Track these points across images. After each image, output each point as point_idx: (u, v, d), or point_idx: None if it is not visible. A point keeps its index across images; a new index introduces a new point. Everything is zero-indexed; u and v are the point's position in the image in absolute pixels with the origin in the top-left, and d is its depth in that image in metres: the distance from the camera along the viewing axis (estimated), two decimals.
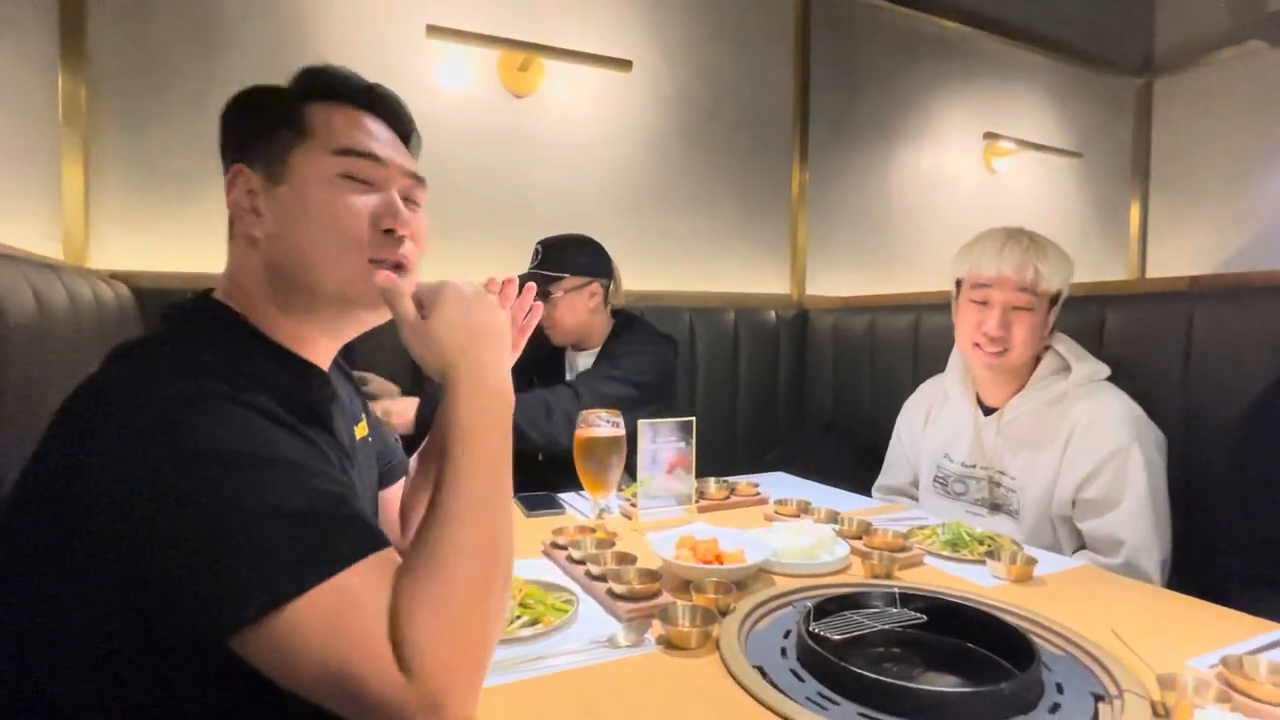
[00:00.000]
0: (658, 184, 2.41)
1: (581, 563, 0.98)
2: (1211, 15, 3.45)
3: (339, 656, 0.52)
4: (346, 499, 0.59)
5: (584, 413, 1.15)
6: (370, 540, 0.58)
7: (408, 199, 0.79)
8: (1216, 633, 0.83)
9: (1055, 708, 0.67)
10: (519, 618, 0.81)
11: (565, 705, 0.67)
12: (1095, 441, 1.27)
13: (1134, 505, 1.23)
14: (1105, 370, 1.37)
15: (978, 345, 1.37)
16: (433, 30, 1.94)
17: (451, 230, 2.08)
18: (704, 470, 1.51)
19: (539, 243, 1.82)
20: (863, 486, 1.70)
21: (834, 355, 2.33)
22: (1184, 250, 3.64)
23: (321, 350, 0.79)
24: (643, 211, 2.37)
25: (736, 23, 2.54)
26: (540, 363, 1.86)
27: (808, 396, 2.46)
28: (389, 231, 0.75)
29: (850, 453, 2.08)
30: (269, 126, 0.74)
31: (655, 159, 2.40)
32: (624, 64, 2.20)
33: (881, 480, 1.74)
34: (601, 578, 0.92)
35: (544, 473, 1.59)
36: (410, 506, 0.98)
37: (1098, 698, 0.69)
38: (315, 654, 0.52)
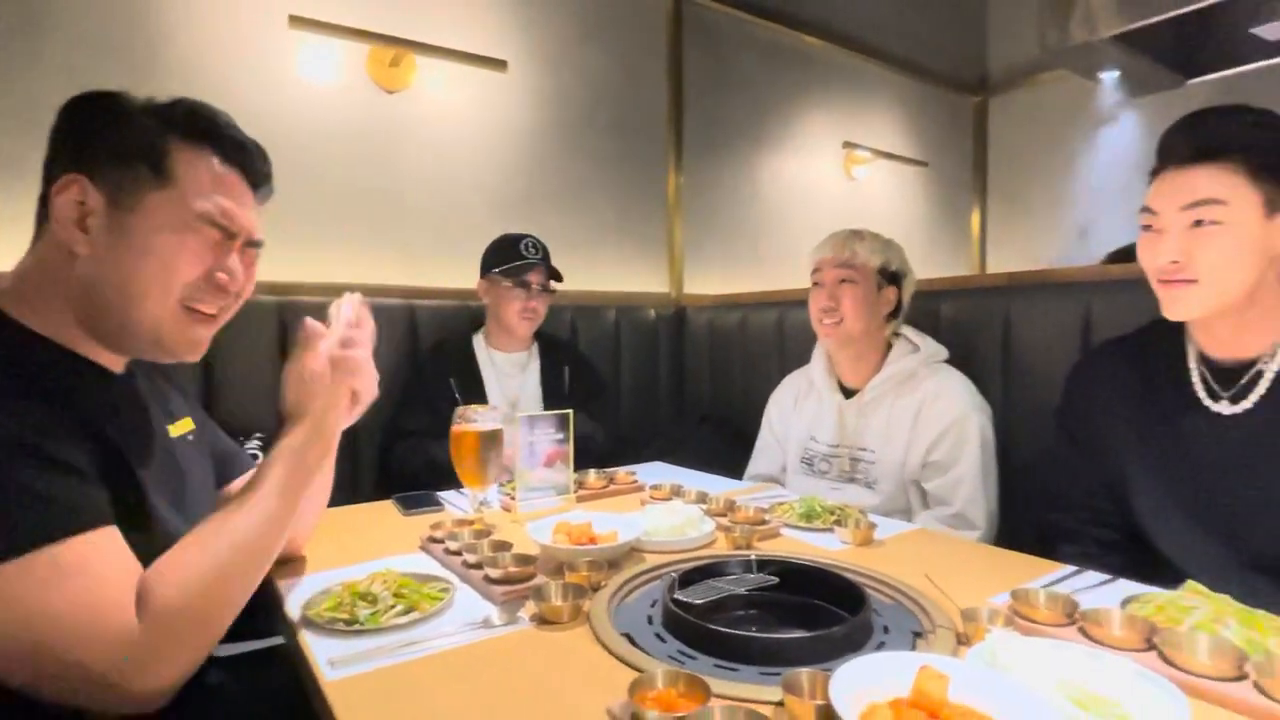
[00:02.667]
0: (536, 184, 2.43)
1: (458, 553, 1.00)
2: (1031, 44, 3.89)
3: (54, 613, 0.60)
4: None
5: (460, 408, 1.16)
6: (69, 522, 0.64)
7: (245, 252, 0.83)
8: (1015, 574, 0.97)
9: (881, 645, 0.77)
10: (393, 607, 0.83)
11: (442, 682, 0.70)
12: (941, 411, 1.46)
13: (968, 465, 1.42)
14: (945, 352, 1.57)
15: (821, 321, 1.56)
16: (296, 21, 1.88)
17: (318, 228, 2.01)
18: (586, 463, 1.56)
19: (534, 238, 1.92)
20: (736, 472, 1.80)
21: (709, 350, 2.45)
22: (1016, 251, 4.08)
23: (114, 356, 0.82)
24: (522, 211, 2.39)
25: (611, 27, 2.61)
26: (457, 367, 1.88)
27: (686, 389, 2.56)
28: (219, 286, 0.80)
29: (725, 441, 2.19)
30: (128, 155, 0.74)
31: (533, 159, 2.42)
32: (499, 64, 2.21)
33: (751, 469, 1.86)
34: (478, 565, 0.95)
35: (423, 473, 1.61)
36: None
37: (916, 634, 0.79)
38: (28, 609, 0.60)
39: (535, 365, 1.96)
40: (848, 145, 3.38)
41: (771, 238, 3.14)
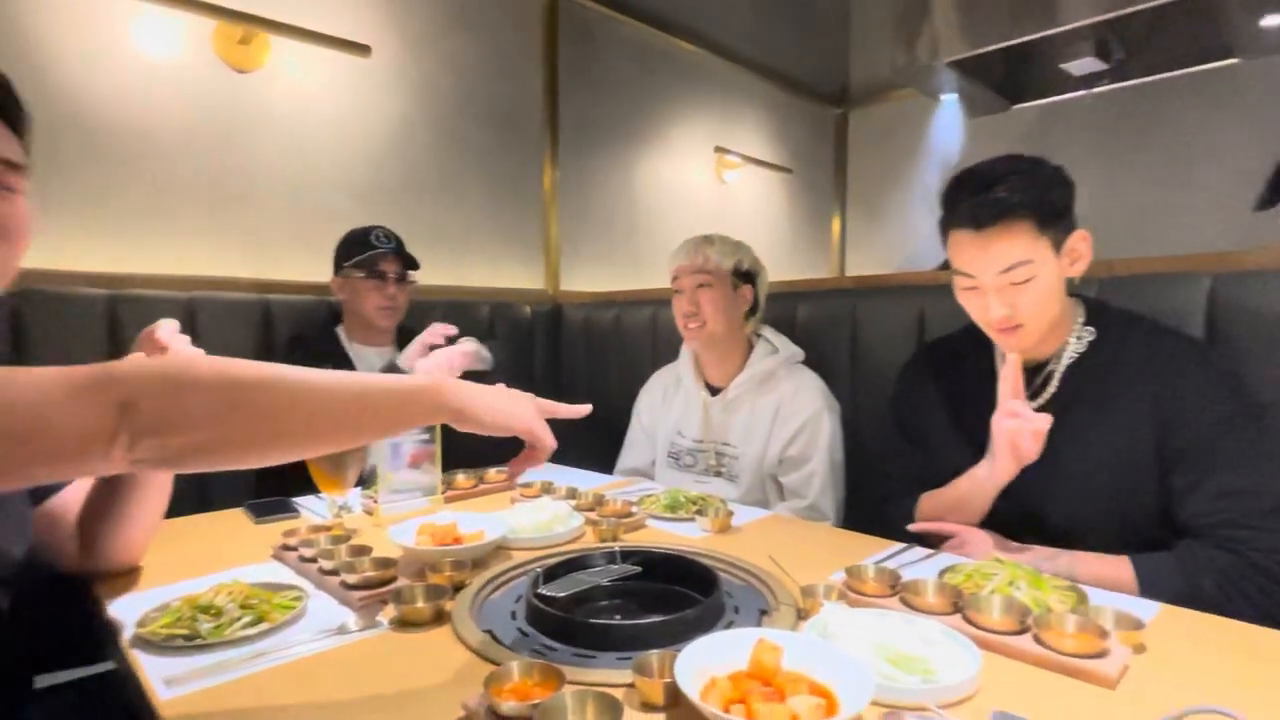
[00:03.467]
0: (405, 174, 2.35)
1: (314, 560, 0.96)
2: (885, 61, 4.22)
3: None
4: None
5: None
6: None
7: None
8: (854, 553, 1.06)
9: (730, 624, 0.82)
10: (239, 619, 0.79)
11: (291, 693, 0.68)
12: (797, 410, 1.56)
13: (821, 460, 1.53)
14: (801, 354, 1.67)
15: (686, 326, 1.63)
16: None
17: (156, 215, 1.84)
18: (462, 463, 1.54)
19: (383, 228, 1.84)
20: (610, 468, 1.84)
21: (586, 347, 2.48)
22: (873, 256, 4.40)
23: None
24: (388, 202, 2.30)
25: (483, 17, 2.56)
26: (321, 361, 1.76)
27: (562, 386, 2.57)
28: None
29: (600, 437, 2.22)
30: None
31: (401, 149, 2.34)
32: (362, 48, 2.12)
33: (621, 464, 1.90)
34: (334, 572, 0.92)
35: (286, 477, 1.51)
36: (94, 518, 0.92)
37: (763, 612, 0.85)
38: None
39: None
40: (719, 150, 3.52)
41: (647, 236, 3.21)
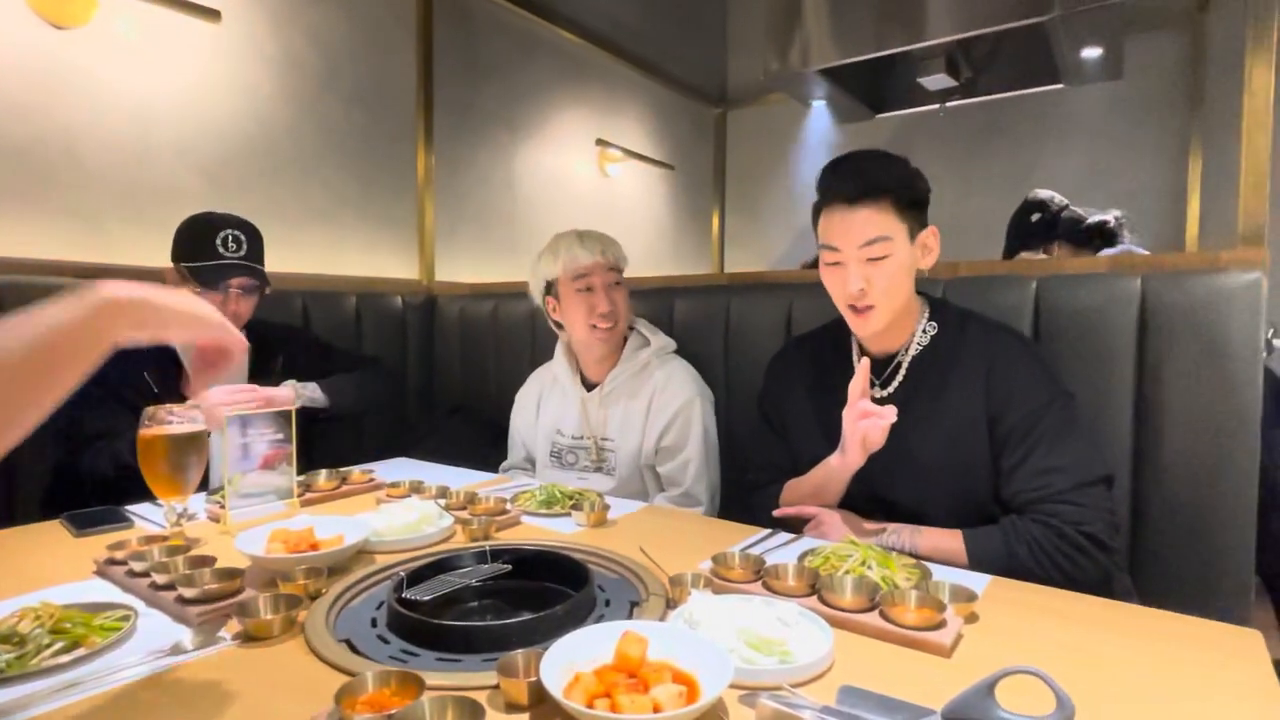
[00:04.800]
0: (260, 152, 2.18)
1: (145, 575, 0.87)
2: (760, 65, 4.39)
3: None
4: None
5: (149, 409, 1.01)
6: None
7: None
8: (723, 540, 1.09)
9: (600, 618, 0.82)
10: (49, 645, 0.70)
11: None
12: (670, 399, 1.58)
13: (695, 447, 1.56)
14: (673, 344, 1.70)
15: (594, 326, 1.58)
16: None
17: None
18: (326, 462, 1.45)
19: (235, 230, 1.57)
20: (488, 464, 1.80)
21: (461, 340, 2.40)
22: (750, 253, 4.57)
23: None
24: (242, 180, 2.12)
25: None
26: (152, 358, 1.53)
27: (436, 381, 2.49)
28: None
29: (477, 432, 2.17)
30: None
31: (256, 124, 2.16)
32: (210, 13, 1.94)
33: (507, 462, 1.87)
34: (170, 586, 0.84)
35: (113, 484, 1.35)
36: None
37: (634, 603, 0.86)
38: None
39: (245, 362, 1.71)
40: (601, 143, 3.52)
41: (528, 227, 3.16)
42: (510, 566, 0.94)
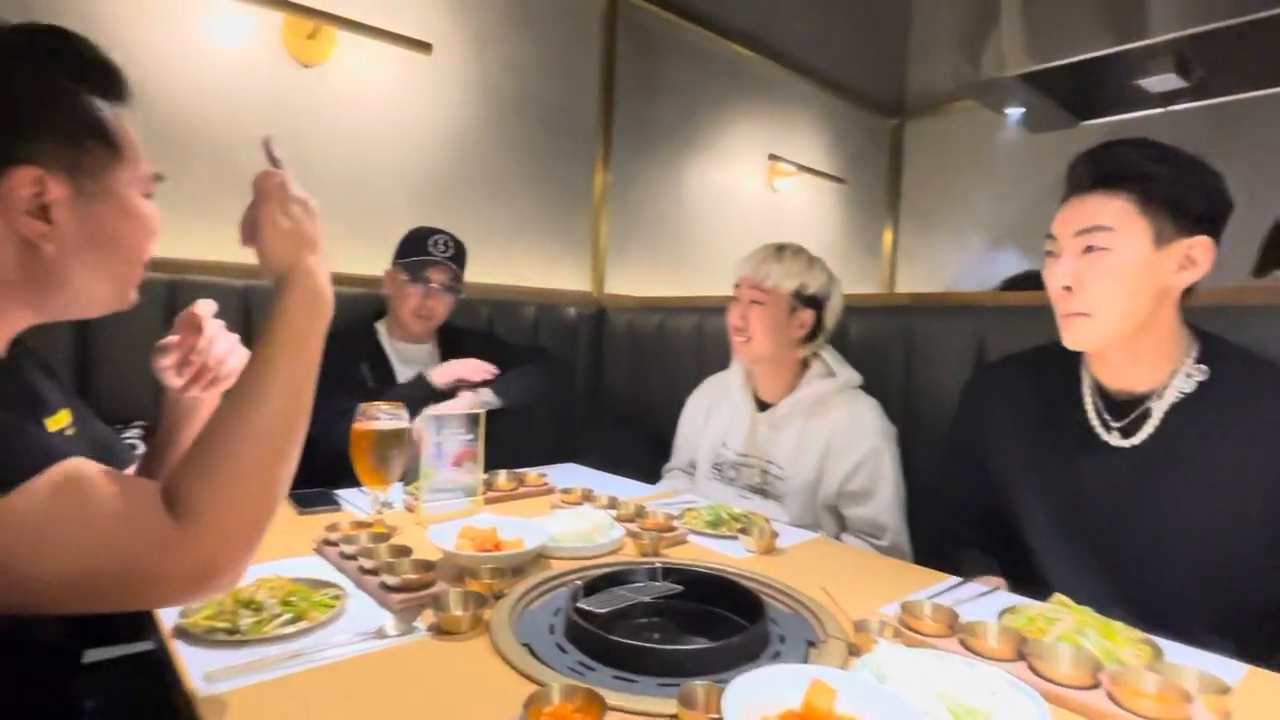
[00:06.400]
0: (459, 173, 2.37)
1: (354, 558, 0.96)
2: (947, 73, 4.11)
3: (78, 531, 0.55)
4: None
5: (363, 405, 1.12)
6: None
7: None
8: (906, 585, 1.01)
9: (777, 655, 0.79)
10: (279, 616, 0.78)
11: (329, 697, 0.66)
12: (856, 441, 1.48)
13: (888, 495, 1.45)
14: (859, 379, 1.59)
15: (733, 338, 1.58)
16: None
17: (218, 204, 1.88)
18: (499, 462, 1.53)
19: (447, 235, 1.85)
20: (650, 475, 1.81)
21: (628, 352, 2.45)
22: (924, 269, 4.29)
23: (3, 338, 0.73)
24: (440, 199, 2.32)
25: (542, 17, 2.56)
26: (365, 355, 1.82)
27: (603, 390, 2.56)
28: None
29: (640, 444, 2.20)
30: (78, 134, 0.68)
31: (457, 147, 2.36)
32: (423, 46, 2.13)
33: (670, 464, 1.88)
34: (374, 571, 0.91)
35: (326, 467, 1.52)
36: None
37: (810, 644, 0.82)
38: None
39: (436, 356, 1.91)
40: (773, 157, 3.47)
41: (694, 242, 3.18)
42: (681, 587, 0.93)
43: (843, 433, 1.50)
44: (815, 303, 1.56)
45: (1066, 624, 0.83)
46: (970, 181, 4.09)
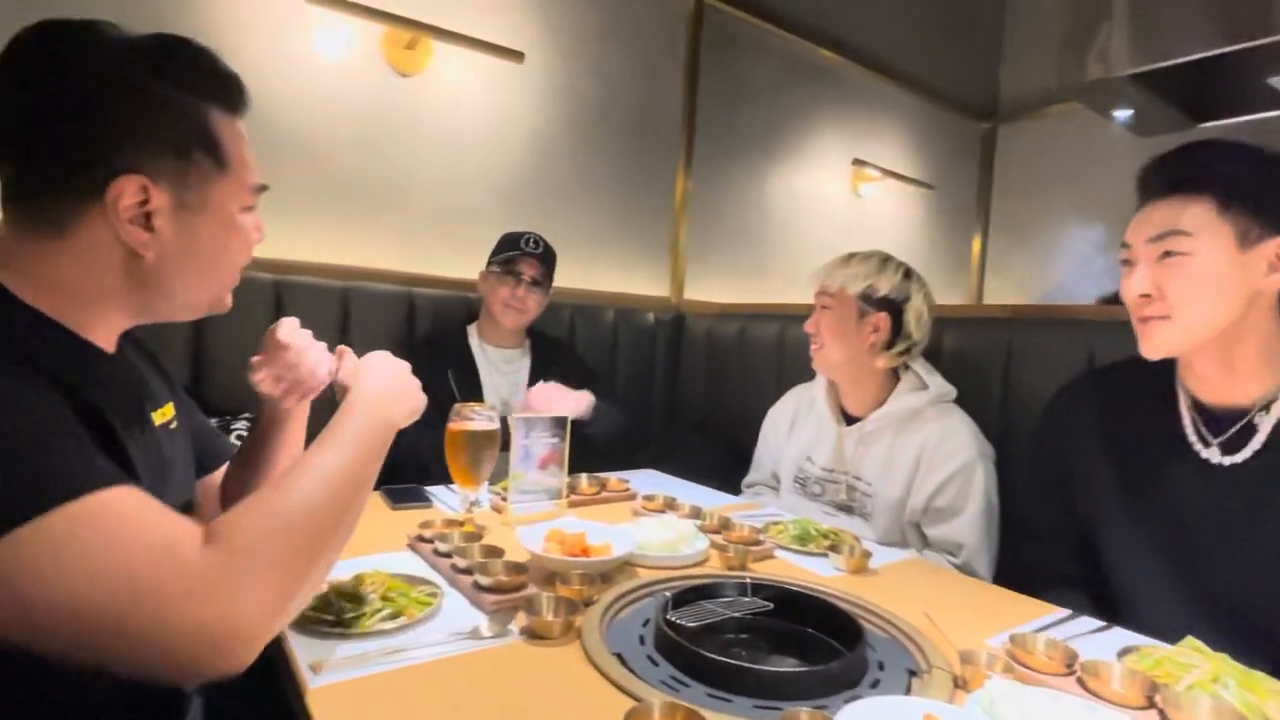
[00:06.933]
0: (543, 177, 2.41)
1: (448, 555, 0.97)
2: (1045, 75, 3.91)
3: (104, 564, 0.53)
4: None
5: (457, 405, 1.14)
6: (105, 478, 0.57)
7: None
8: (1012, 616, 0.96)
9: (876, 683, 0.75)
10: (380, 611, 0.80)
11: (427, 696, 0.67)
12: (946, 456, 1.41)
13: (973, 514, 1.38)
14: (953, 392, 1.51)
15: (812, 344, 1.56)
16: None
17: (320, 207, 1.98)
18: (577, 466, 1.54)
19: (537, 235, 1.91)
20: (727, 484, 1.79)
21: (707, 359, 2.43)
22: (1014, 281, 4.09)
23: (112, 335, 0.76)
24: (526, 204, 2.36)
25: (629, 25, 2.58)
26: (453, 361, 1.87)
27: (680, 397, 2.54)
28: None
29: (717, 452, 2.18)
30: (184, 144, 0.69)
31: (542, 152, 2.40)
32: (516, 54, 2.18)
33: (749, 478, 1.85)
34: (468, 570, 0.92)
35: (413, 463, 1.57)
36: (235, 476, 0.99)
37: (911, 673, 0.78)
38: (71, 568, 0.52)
39: (526, 363, 1.94)
40: (857, 163, 3.38)
41: (776, 249, 3.13)
42: (771, 605, 0.91)
43: (935, 446, 1.43)
44: (889, 305, 1.48)
45: (1201, 671, 0.76)
46: (1068, 187, 3.87)
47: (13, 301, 0.66)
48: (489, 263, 1.88)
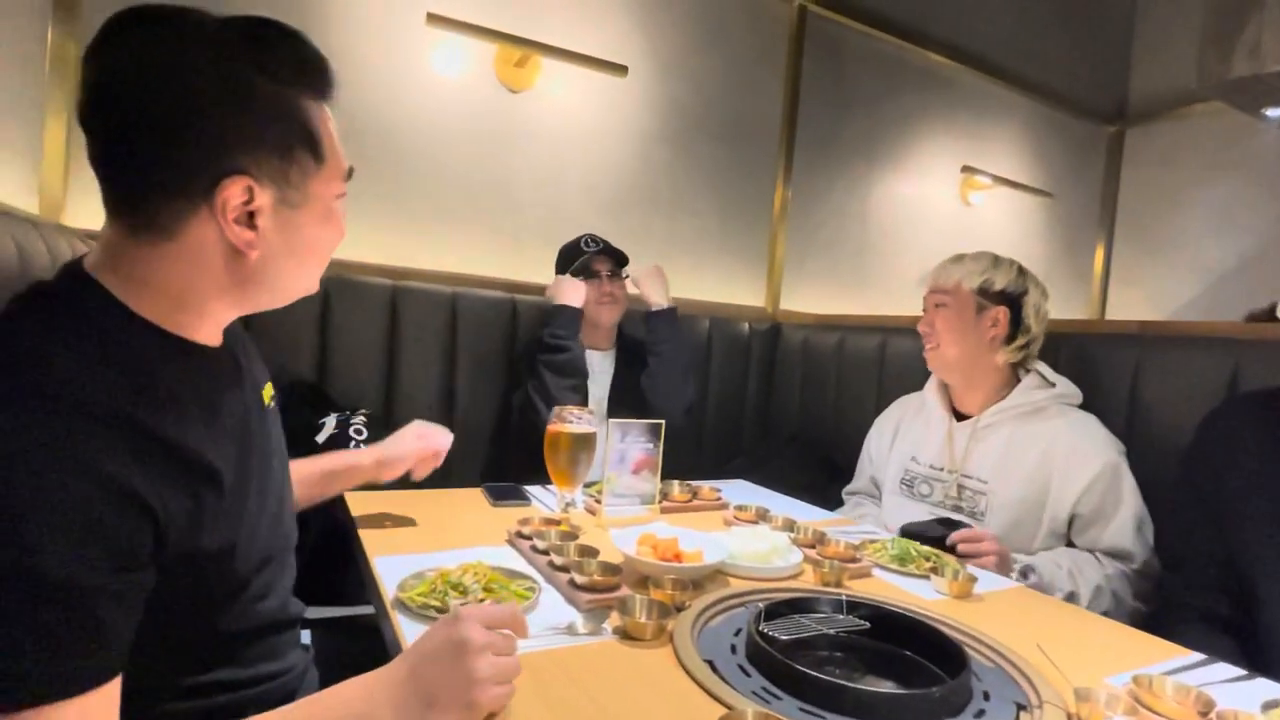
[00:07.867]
0: (642, 188, 2.45)
1: (545, 553, 1.01)
2: (1182, 73, 3.60)
3: None
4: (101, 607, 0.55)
5: (557, 408, 1.18)
6: (101, 674, 0.55)
7: None
8: (1135, 655, 0.89)
9: (980, 713, 0.72)
10: (481, 601, 0.84)
11: (523, 687, 0.70)
12: (1085, 459, 1.34)
13: (1127, 518, 1.30)
14: (1079, 395, 1.44)
15: (924, 348, 1.53)
16: (433, 19, 1.96)
17: (434, 216, 2.09)
18: (668, 473, 1.55)
19: (587, 235, 1.98)
20: (821, 498, 1.75)
21: (802, 370, 2.39)
22: (1141, 295, 3.79)
23: (218, 329, 0.77)
24: (626, 214, 2.41)
25: (730, 35, 2.59)
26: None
27: (774, 408, 2.51)
28: None
29: (811, 465, 2.14)
30: (287, 142, 0.69)
31: (642, 163, 2.44)
32: (620, 69, 2.23)
33: (850, 485, 1.82)
34: (564, 568, 0.95)
35: (513, 463, 1.64)
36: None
37: (1020, 706, 0.74)
38: None
39: (610, 369, 1.98)
40: (967, 170, 3.23)
41: (878, 259, 3.04)
42: (868, 624, 0.88)
43: (1067, 446, 1.36)
44: (1006, 299, 1.45)
45: None
46: (1208, 194, 3.55)
47: (116, 309, 0.66)
48: (560, 273, 1.95)
